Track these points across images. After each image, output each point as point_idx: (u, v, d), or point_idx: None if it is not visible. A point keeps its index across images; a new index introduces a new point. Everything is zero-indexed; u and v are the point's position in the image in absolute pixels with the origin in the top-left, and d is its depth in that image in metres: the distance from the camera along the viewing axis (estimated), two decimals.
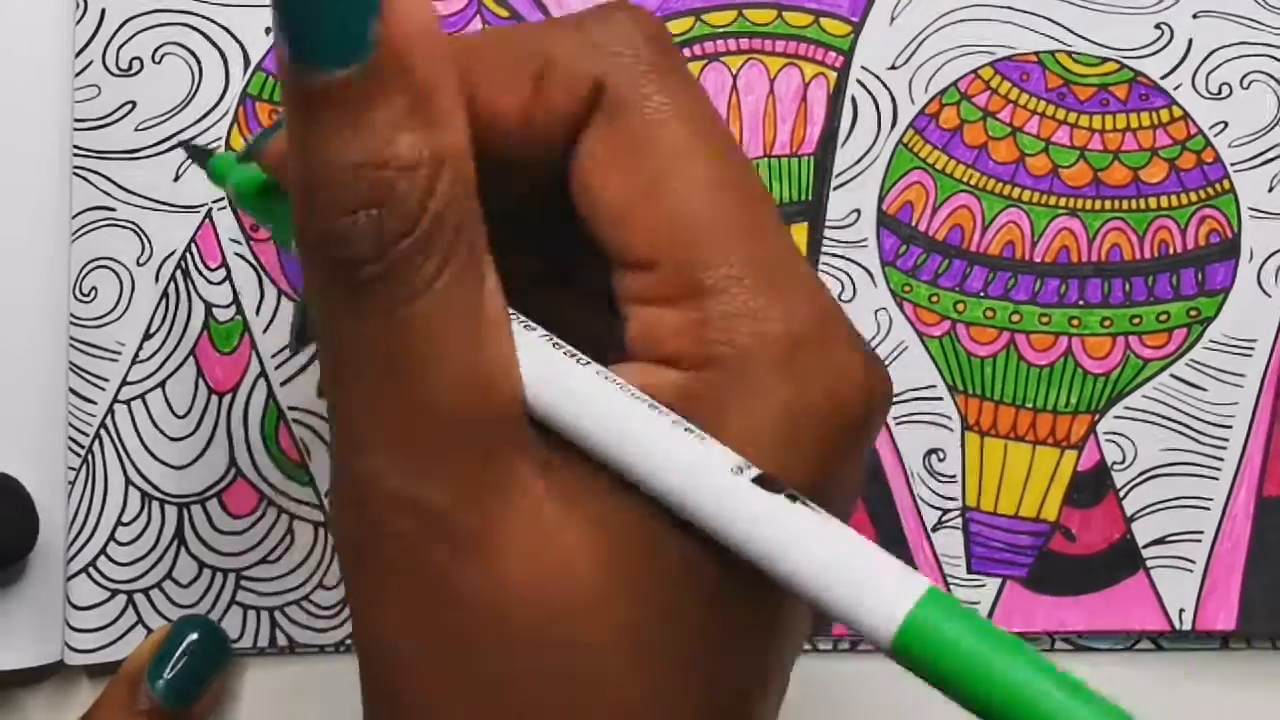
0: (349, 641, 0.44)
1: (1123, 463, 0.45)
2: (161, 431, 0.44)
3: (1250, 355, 0.46)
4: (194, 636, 0.42)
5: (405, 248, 0.27)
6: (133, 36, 0.44)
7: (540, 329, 0.29)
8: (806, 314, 0.29)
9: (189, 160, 0.44)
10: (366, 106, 0.26)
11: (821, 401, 0.29)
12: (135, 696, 0.41)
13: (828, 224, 0.45)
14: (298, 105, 0.27)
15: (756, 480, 0.27)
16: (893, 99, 0.46)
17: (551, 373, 0.29)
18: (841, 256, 0.45)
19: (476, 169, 0.28)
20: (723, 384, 0.28)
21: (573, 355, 0.29)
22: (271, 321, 0.44)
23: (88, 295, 0.44)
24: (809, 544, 0.26)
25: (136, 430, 0.44)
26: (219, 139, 0.44)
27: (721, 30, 0.45)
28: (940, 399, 0.45)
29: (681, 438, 0.28)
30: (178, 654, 0.42)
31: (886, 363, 0.45)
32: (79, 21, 0.44)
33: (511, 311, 0.29)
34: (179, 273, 0.44)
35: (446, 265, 0.27)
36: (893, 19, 0.46)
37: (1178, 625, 0.45)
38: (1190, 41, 0.46)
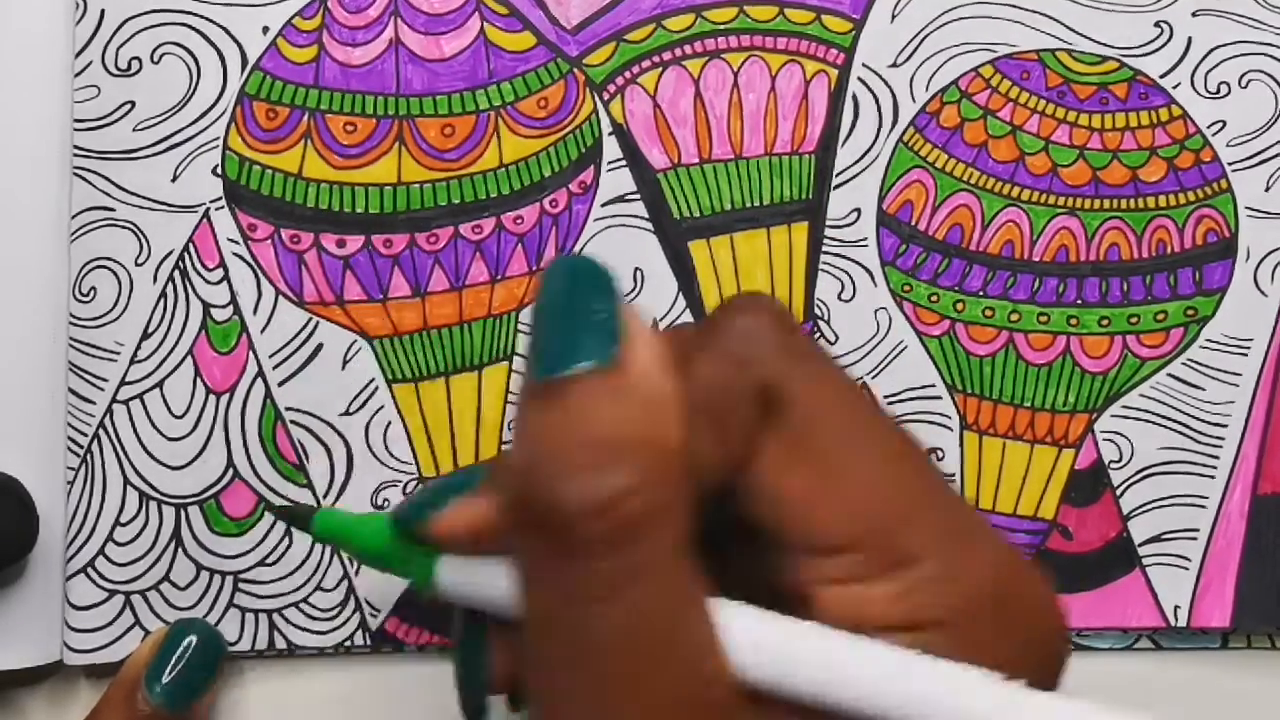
0: (347, 644, 0.44)
1: (1120, 461, 0.46)
2: (160, 432, 0.44)
3: (1246, 354, 0.46)
4: (191, 640, 0.42)
5: (635, 512, 0.28)
6: (132, 37, 0.44)
7: (742, 603, 0.30)
8: (1002, 566, 0.30)
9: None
10: (603, 399, 0.29)
11: (1033, 651, 0.30)
12: (134, 701, 0.41)
13: (828, 223, 0.45)
14: (536, 395, 0.29)
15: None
16: (893, 97, 0.46)
17: (775, 642, 0.29)
18: (842, 256, 0.45)
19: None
20: (939, 644, 0.29)
21: (791, 621, 0.30)
22: (269, 321, 0.44)
23: (87, 295, 0.43)
24: None
25: (135, 430, 0.44)
26: (216, 139, 0.44)
27: (723, 27, 0.45)
28: (939, 398, 0.45)
29: (940, 665, 0.28)
30: (175, 658, 0.42)
31: (887, 362, 0.45)
32: (79, 22, 0.44)
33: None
34: (177, 272, 0.44)
35: (669, 547, 0.29)
36: (894, 16, 0.46)
37: (1173, 622, 0.45)
38: (1189, 40, 0.46)
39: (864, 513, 0.30)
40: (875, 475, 0.31)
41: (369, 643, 0.44)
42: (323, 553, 0.44)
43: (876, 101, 0.46)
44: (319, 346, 0.44)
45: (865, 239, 0.45)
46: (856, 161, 0.45)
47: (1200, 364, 0.46)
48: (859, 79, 0.46)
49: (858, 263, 0.45)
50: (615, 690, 0.29)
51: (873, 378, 0.45)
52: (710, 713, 0.29)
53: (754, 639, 0.29)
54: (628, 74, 0.45)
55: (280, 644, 0.44)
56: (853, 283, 0.45)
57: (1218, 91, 0.46)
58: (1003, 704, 0.28)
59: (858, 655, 0.29)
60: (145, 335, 0.44)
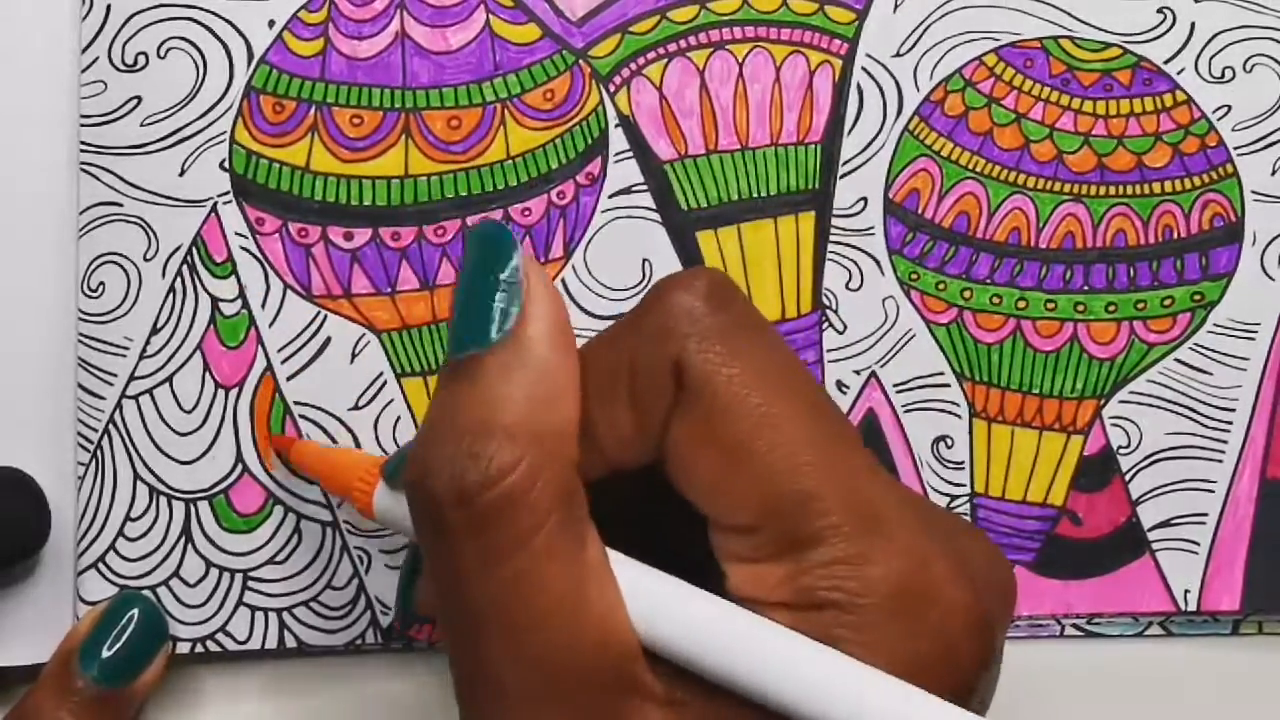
0: (359, 643, 0.44)
1: (1128, 447, 0.46)
2: (170, 426, 0.44)
3: (1253, 339, 0.46)
4: (133, 614, 0.42)
5: (495, 497, 0.30)
6: (138, 32, 0.44)
7: (648, 567, 0.31)
8: (908, 556, 0.30)
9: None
10: (488, 378, 0.31)
11: (933, 651, 0.30)
12: (71, 678, 0.40)
13: (835, 212, 0.45)
14: (440, 377, 0.32)
15: None
16: (898, 86, 0.46)
17: (666, 607, 0.31)
18: (849, 245, 0.45)
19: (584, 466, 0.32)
20: (833, 625, 0.30)
21: (685, 588, 0.31)
22: (278, 315, 0.44)
23: (95, 291, 0.43)
24: None
25: (145, 425, 0.44)
26: (223, 133, 0.44)
27: (727, 18, 0.45)
28: (948, 386, 0.45)
29: (814, 646, 0.29)
30: (115, 633, 0.41)
31: (895, 351, 0.45)
32: (85, 17, 0.44)
33: (620, 555, 0.31)
34: (185, 267, 0.44)
35: (541, 525, 0.30)
36: (896, 6, 0.46)
37: (1183, 606, 0.45)
38: (1193, 25, 0.46)
39: (766, 497, 0.30)
40: (785, 461, 0.30)
41: (380, 640, 0.44)
42: (332, 551, 0.44)
43: (881, 91, 0.46)
44: (327, 340, 0.44)
45: (872, 228, 0.45)
46: (862, 150, 0.45)
47: (1207, 349, 0.46)
48: (863, 69, 0.46)
49: (865, 251, 0.45)
50: (493, 654, 0.30)
51: (881, 366, 0.45)
52: (602, 673, 0.30)
53: (651, 604, 0.30)
54: (633, 65, 0.45)
55: (290, 642, 0.44)
56: (860, 272, 0.45)
57: (1222, 76, 0.46)
58: (879, 706, 0.28)
59: (734, 628, 0.30)
60: (154, 330, 0.44)
